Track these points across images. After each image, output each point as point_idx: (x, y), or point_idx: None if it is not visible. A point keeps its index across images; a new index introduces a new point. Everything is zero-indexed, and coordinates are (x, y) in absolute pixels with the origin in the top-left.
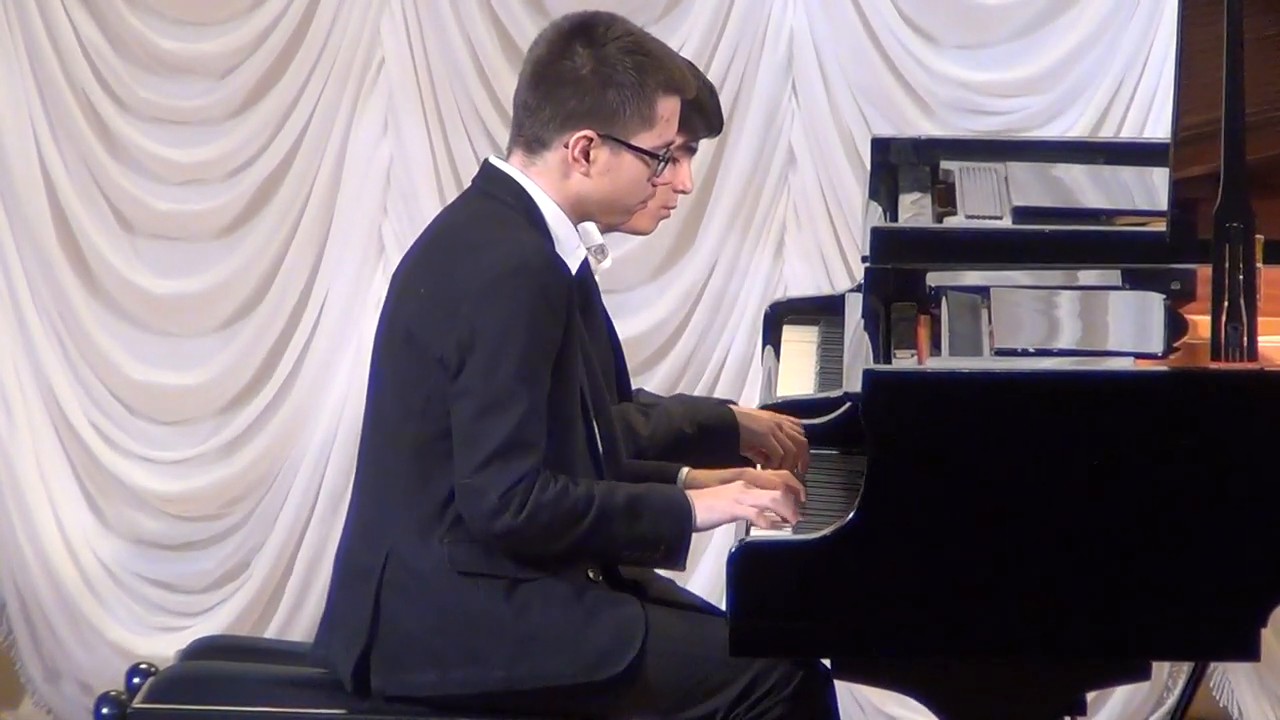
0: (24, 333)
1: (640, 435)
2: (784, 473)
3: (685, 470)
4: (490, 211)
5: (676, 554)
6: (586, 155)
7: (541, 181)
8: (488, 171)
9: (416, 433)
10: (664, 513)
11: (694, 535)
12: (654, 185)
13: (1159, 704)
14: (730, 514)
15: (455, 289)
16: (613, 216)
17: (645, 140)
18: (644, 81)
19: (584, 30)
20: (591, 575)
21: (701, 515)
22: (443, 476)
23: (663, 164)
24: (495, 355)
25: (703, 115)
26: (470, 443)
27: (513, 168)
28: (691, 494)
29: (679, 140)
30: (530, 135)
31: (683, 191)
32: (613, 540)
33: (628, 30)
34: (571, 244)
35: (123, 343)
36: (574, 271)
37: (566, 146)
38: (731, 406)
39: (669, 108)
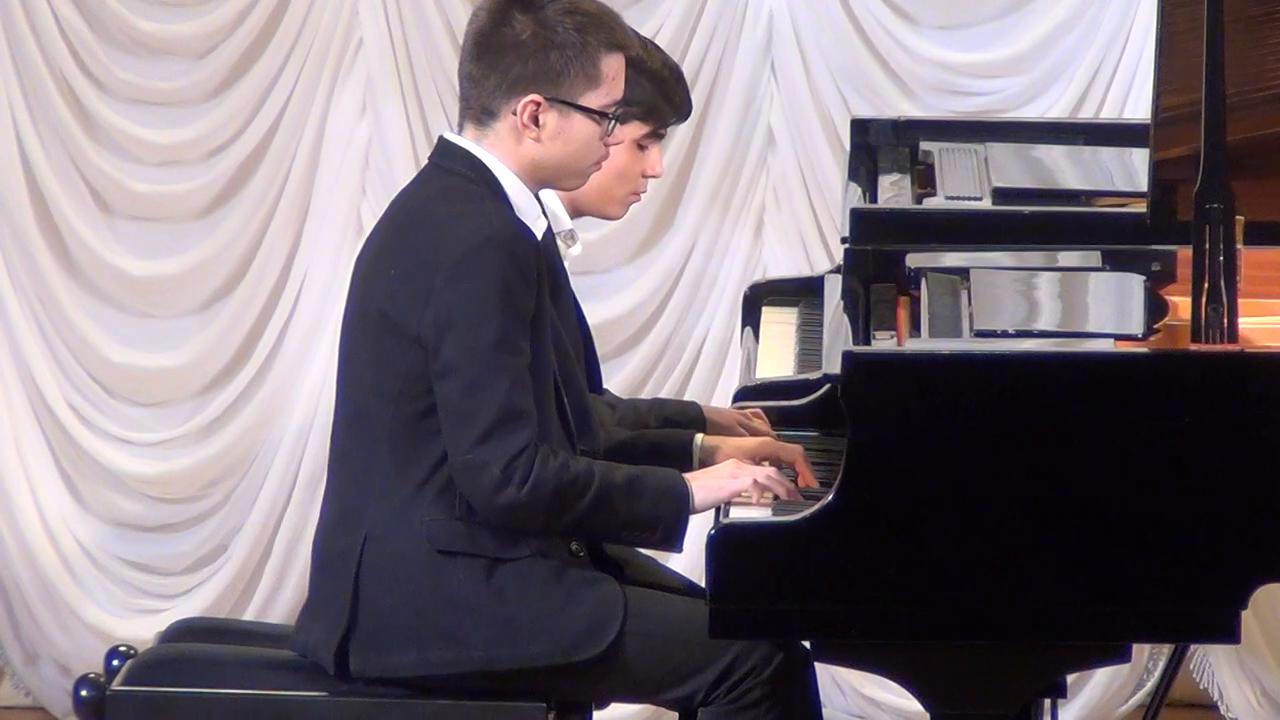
0: (2, 315)
1: (607, 429)
2: (797, 447)
3: (700, 436)
4: (450, 186)
5: (674, 536)
6: (536, 120)
7: (496, 152)
8: (443, 146)
9: (395, 414)
10: (663, 494)
11: (691, 517)
12: (606, 145)
13: (1139, 686)
14: (729, 491)
15: (426, 266)
16: (569, 180)
17: (593, 100)
18: (585, 41)
19: None
20: (574, 549)
21: (699, 496)
22: (421, 457)
23: (613, 122)
24: (475, 329)
25: (670, 101)
26: (463, 419)
27: (467, 140)
28: (688, 476)
29: (644, 129)
30: (478, 106)
31: (653, 176)
32: (612, 519)
33: None
34: (533, 212)
35: (101, 324)
36: (538, 238)
37: (515, 114)
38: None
39: (613, 65)
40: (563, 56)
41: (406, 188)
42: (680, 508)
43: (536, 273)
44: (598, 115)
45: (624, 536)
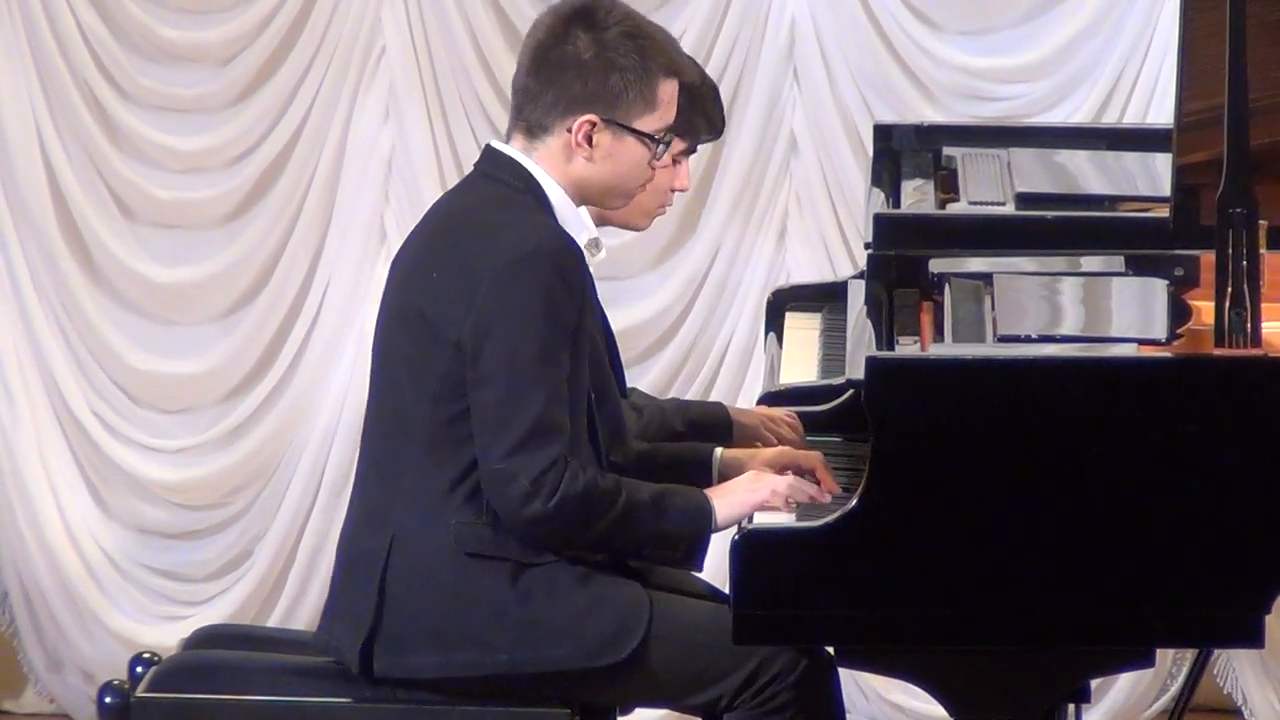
0: (26, 321)
1: (633, 432)
2: (816, 454)
3: (719, 450)
4: (497, 194)
5: (696, 554)
6: (589, 140)
7: (545, 165)
8: (491, 155)
9: (429, 415)
10: (686, 512)
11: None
12: (653, 168)
13: (1163, 691)
14: (751, 505)
15: (470, 272)
16: (613, 200)
17: (647, 124)
18: (646, 65)
19: (584, 15)
20: (599, 557)
21: (722, 514)
22: (452, 459)
23: (663, 147)
24: (516, 339)
25: (707, 118)
26: (497, 428)
27: (515, 150)
28: (710, 493)
29: (680, 145)
30: (532, 120)
31: (681, 190)
32: (635, 536)
33: (627, 14)
34: (578, 225)
35: (125, 331)
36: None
37: (569, 131)
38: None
39: (669, 90)
40: (623, 79)
41: (450, 192)
42: (703, 526)
43: (581, 286)
44: (650, 139)
45: (646, 554)
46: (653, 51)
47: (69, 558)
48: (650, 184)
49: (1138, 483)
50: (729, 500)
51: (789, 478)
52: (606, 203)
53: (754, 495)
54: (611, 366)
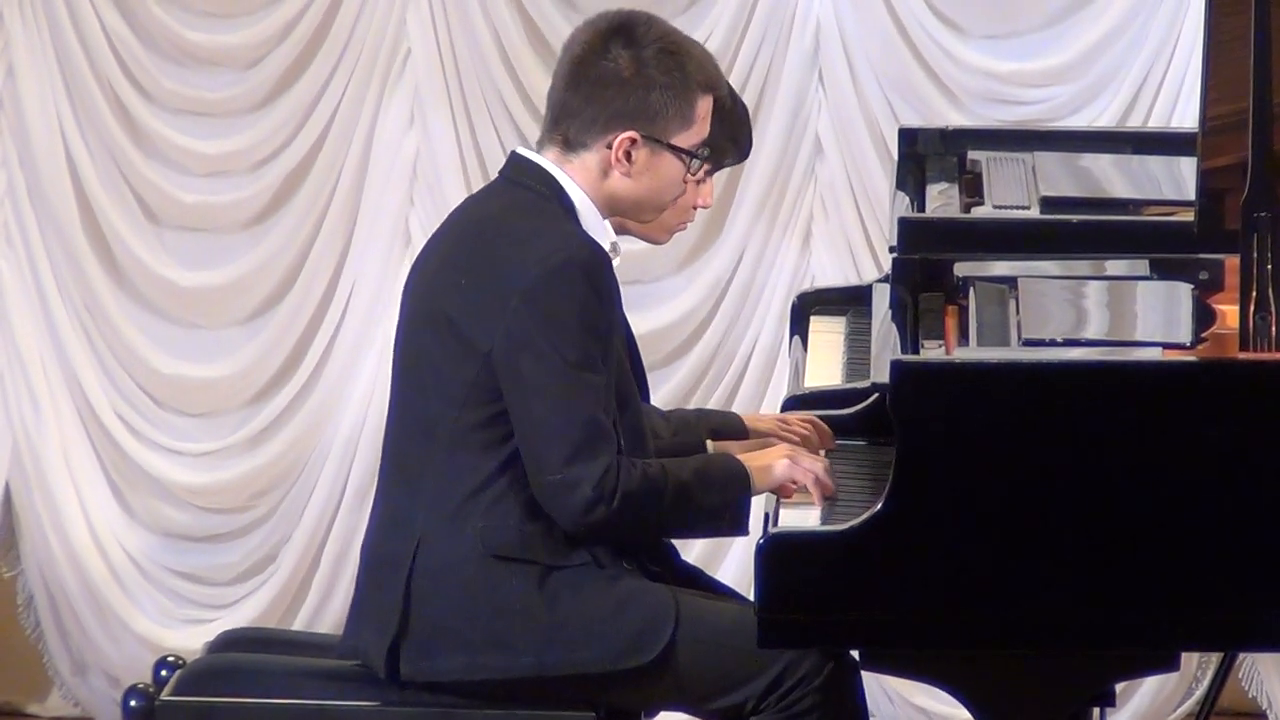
0: (50, 325)
1: (663, 438)
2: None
3: (710, 444)
4: (523, 201)
5: (740, 521)
6: (629, 156)
7: (578, 178)
8: (517, 161)
9: (455, 419)
10: (727, 481)
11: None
12: (687, 183)
13: (1188, 694)
14: (786, 476)
15: (502, 282)
16: (645, 214)
17: (684, 140)
18: (685, 82)
19: (623, 30)
20: (626, 565)
21: (757, 478)
22: (478, 465)
23: (698, 162)
24: (558, 349)
25: (735, 143)
26: (550, 439)
27: (544, 159)
28: (742, 458)
29: (709, 165)
30: (570, 135)
31: (704, 207)
32: (688, 515)
33: (665, 31)
34: (600, 231)
35: (149, 335)
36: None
37: (609, 147)
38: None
39: (705, 106)
40: (663, 96)
41: (474, 197)
42: (742, 492)
43: (610, 293)
44: (686, 155)
45: (698, 531)
46: (691, 68)
47: (93, 561)
48: (680, 201)
49: (1162, 486)
50: (763, 466)
51: (825, 463)
52: (639, 216)
53: (793, 471)
54: (634, 372)
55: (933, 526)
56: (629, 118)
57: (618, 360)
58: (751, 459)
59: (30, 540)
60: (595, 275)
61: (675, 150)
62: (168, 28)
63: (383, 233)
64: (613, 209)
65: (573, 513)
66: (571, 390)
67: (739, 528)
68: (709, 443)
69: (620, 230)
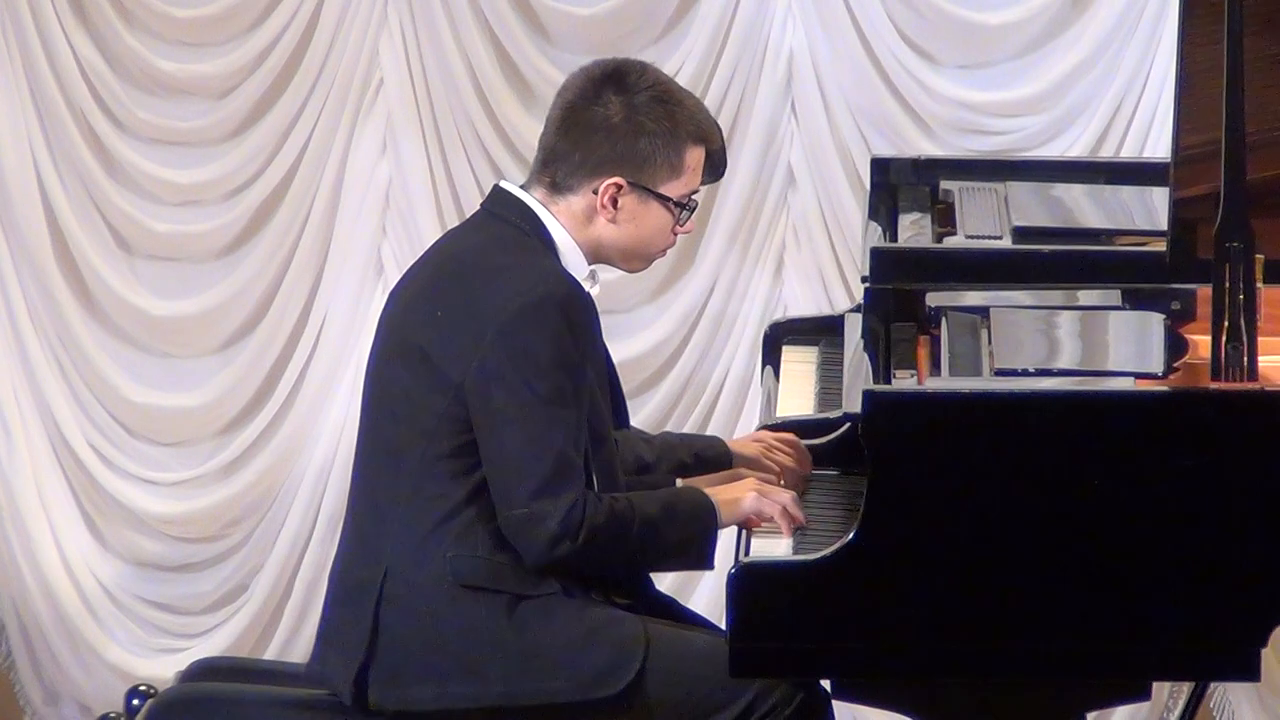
0: (22, 354)
1: (647, 462)
2: (788, 493)
3: (679, 481)
4: (502, 235)
5: (706, 554)
6: (614, 202)
7: (564, 221)
8: (498, 194)
9: (423, 450)
10: (693, 516)
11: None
12: (675, 234)
13: None
14: (753, 509)
15: (477, 316)
16: (633, 263)
17: (672, 189)
18: (675, 131)
19: (616, 77)
20: (594, 596)
21: (725, 512)
22: (446, 494)
23: (687, 213)
24: (529, 383)
25: (711, 164)
26: (517, 472)
27: (529, 196)
28: (709, 492)
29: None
30: (558, 178)
31: (685, 233)
32: (654, 550)
33: (659, 79)
34: (580, 268)
35: (121, 364)
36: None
37: (595, 193)
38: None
39: (695, 157)
40: (651, 143)
41: (456, 231)
42: (709, 526)
43: (586, 331)
44: (674, 205)
45: (665, 565)
46: (682, 118)
47: (66, 590)
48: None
49: (1133, 516)
50: (729, 499)
51: (792, 494)
52: (625, 264)
53: (761, 504)
54: (614, 399)
55: (904, 556)
56: (616, 163)
57: (592, 397)
58: (718, 493)
59: (2, 569)
60: (572, 311)
61: (663, 199)
62: (141, 57)
63: (355, 262)
64: (598, 256)
65: (536, 547)
66: (541, 425)
67: (705, 562)
68: (677, 481)
69: (595, 260)
